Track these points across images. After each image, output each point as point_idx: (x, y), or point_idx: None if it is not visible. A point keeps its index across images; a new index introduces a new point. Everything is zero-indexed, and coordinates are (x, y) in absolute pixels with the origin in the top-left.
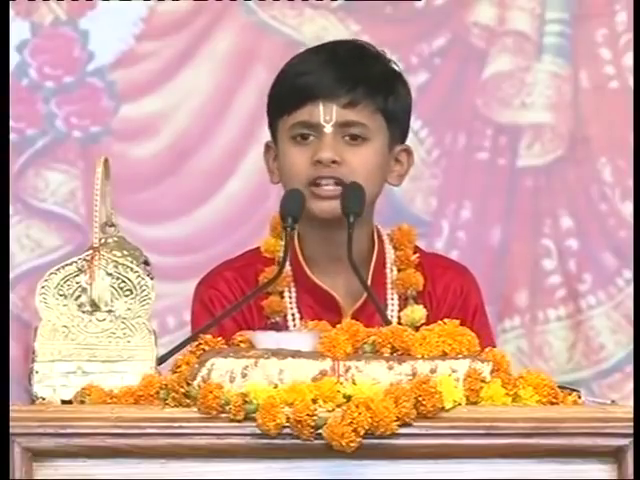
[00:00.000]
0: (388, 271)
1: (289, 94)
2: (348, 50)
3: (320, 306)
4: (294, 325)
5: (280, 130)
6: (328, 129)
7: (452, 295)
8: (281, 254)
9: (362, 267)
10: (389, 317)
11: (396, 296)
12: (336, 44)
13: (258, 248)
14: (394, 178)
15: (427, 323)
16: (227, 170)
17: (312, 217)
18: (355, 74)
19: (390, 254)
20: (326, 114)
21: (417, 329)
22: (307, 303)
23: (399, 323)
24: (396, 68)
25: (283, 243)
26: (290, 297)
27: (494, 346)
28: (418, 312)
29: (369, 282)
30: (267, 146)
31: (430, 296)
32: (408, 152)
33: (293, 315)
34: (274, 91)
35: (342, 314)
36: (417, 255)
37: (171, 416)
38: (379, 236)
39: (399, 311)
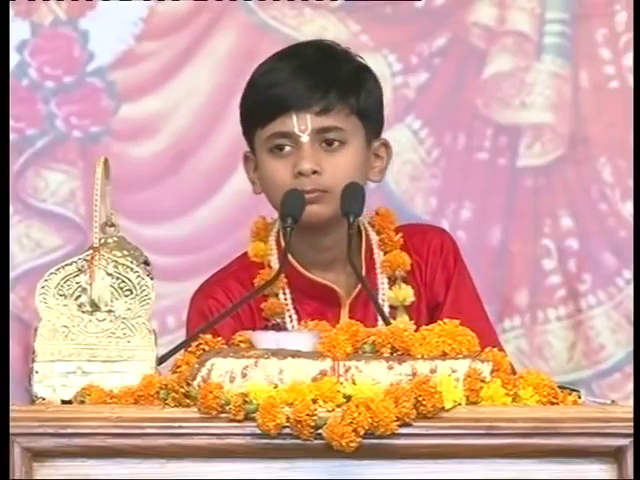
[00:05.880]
0: (376, 256)
1: (261, 107)
2: (315, 53)
3: (318, 301)
4: (292, 327)
5: (256, 142)
6: (305, 138)
7: (433, 255)
8: (274, 257)
9: (355, 258)
10: (380, 300)
11: (386, 279)
12: (302, 48)
13: (246, 253)
14: (375, 174)
15: (421, 292)
16: (227, 170)
17: (298, 225)
18: (326, 79)
19: (375, 239)
20: (301, 124)
21: (408, 309)
22: (304, 301)
23: (389, 305)
24: (363, 62)
25: (269, 247)
26: (286, 299)
27: (480, 302)
28: (404, 292)
29: (363, 272)
30: (245, 157)
31: (419, 265)
32: (386, 145)
33: (290, 317)
34: (246, 103)
35: (341, 304)
36: (400, 235)
37: (171, 416)
38: (363, 225)
39: None
